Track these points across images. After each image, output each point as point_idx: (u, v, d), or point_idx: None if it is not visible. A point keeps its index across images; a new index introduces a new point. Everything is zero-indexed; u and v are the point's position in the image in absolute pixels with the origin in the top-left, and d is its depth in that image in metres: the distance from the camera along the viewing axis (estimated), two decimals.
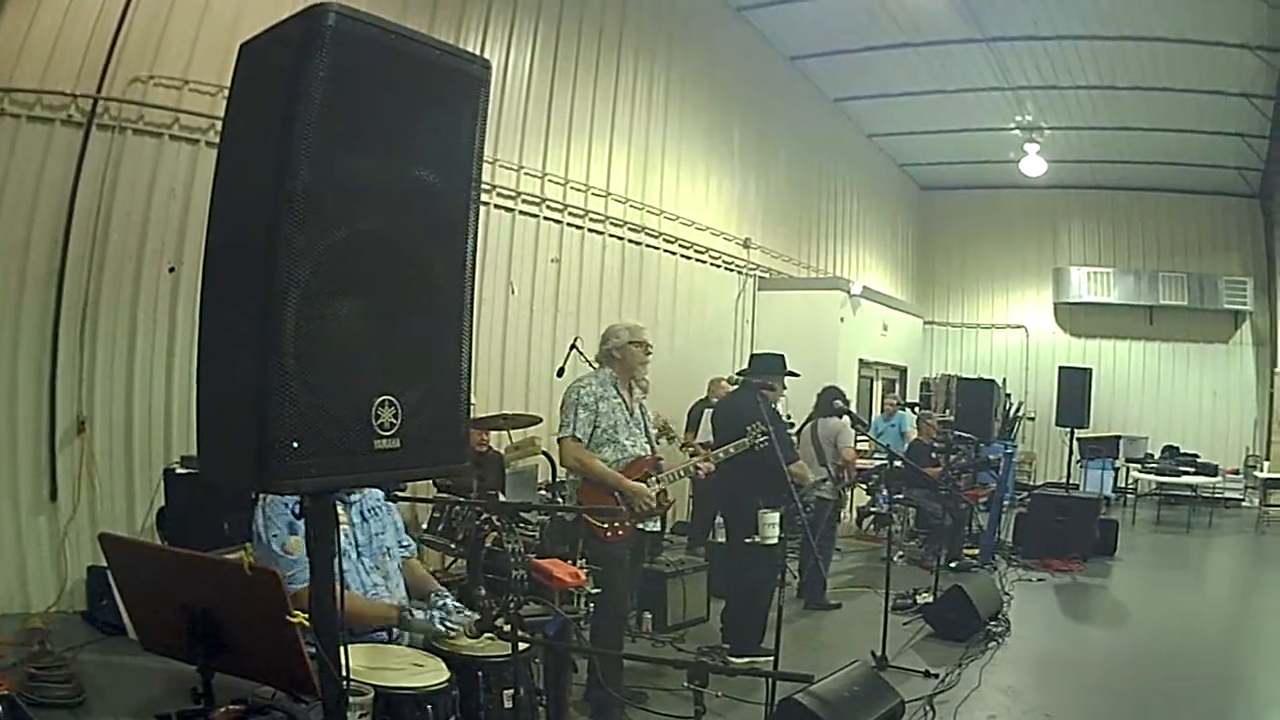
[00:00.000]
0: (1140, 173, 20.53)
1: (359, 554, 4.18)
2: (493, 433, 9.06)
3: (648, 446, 6.33)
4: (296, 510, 2.71)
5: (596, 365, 6.53)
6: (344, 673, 2.57)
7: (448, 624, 3.91)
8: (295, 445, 2.05)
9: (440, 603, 4.14)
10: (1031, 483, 19.72)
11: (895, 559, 9.36)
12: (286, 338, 2.05)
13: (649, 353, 6.48)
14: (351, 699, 2.72)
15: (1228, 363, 21.23)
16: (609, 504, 6.03)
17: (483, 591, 3.68)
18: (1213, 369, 21.26)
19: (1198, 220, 21.34)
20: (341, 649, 2.56)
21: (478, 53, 9.92)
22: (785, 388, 8.82)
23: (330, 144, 2.15)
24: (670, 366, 12.72)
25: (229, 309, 2.24)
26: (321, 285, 2.12)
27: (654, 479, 6.23)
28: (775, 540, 6.71)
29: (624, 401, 6.26)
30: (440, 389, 2.40)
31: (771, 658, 6.26)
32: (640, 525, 6.23)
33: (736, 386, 7.81)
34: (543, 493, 8.73)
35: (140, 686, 5.08)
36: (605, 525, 5.98)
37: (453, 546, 8.02)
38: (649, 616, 8.29)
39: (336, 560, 2.48)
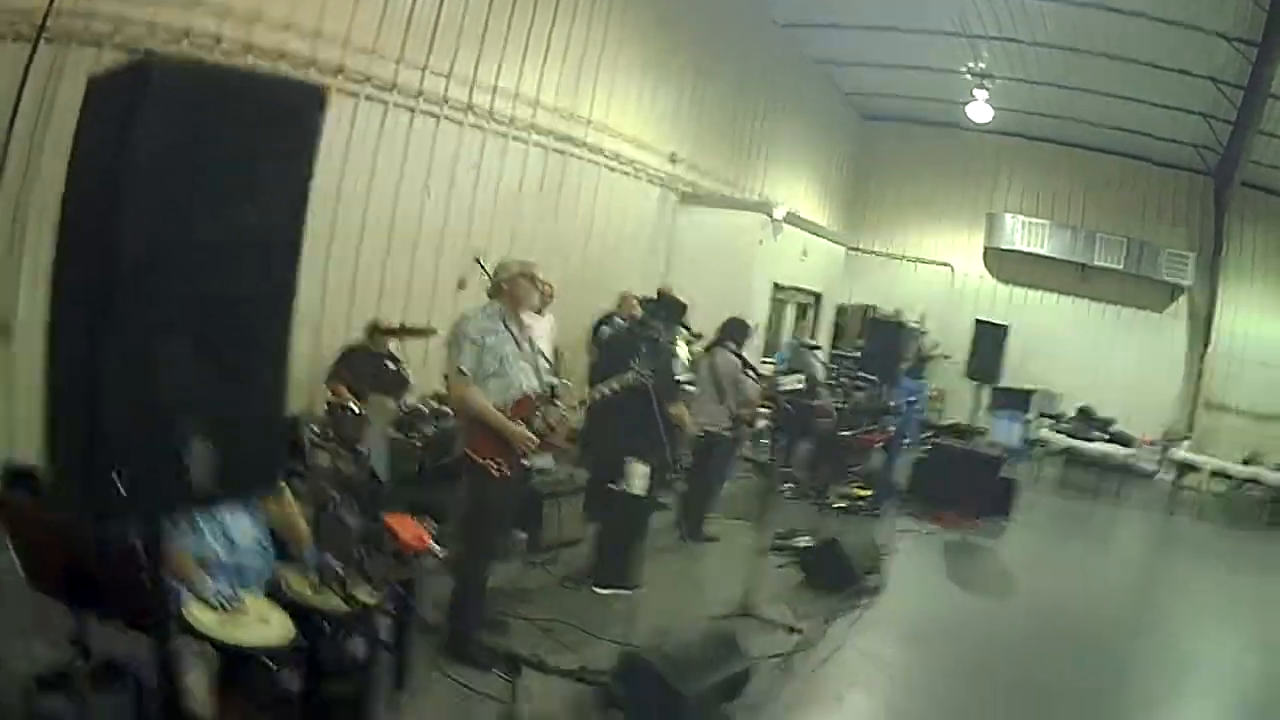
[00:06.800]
0: (1091, 133, 20.74)
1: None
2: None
3: (536, 380, 6.39)
4: None
5: (488, 297, 6.55)
6: None
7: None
8: (116, 474, 2.28)
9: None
10: (940, 421, 19.94)
11: (783, 489, 9.49)
12: (111, 373, 2.28)
13: (539, 286, 6.65)
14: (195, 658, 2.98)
15: (1159, 333, 21.64)
16: (493, 445, 6.15)
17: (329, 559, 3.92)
18: (1142, 336, 21.68)
19: (1147, 188, 21.66)
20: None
21: None
22: (680, 338, 8.96)
23: (160, 201, 2.33)
24: (583, 272, 12.92)
25: (68, 325, 2.45)
26: (146, 328, 2.33)
27: (539, 415, 6.34)
28: (641, 492, 6.79)
29: (513, 335, 6.31)
30: (256, 421, 2.61)
31: (635, 591, 6.36)
32: (525, 463, 6.39)
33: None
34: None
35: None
36: (491, 463, 6.14)
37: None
38: (523, 536, 8.41)
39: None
